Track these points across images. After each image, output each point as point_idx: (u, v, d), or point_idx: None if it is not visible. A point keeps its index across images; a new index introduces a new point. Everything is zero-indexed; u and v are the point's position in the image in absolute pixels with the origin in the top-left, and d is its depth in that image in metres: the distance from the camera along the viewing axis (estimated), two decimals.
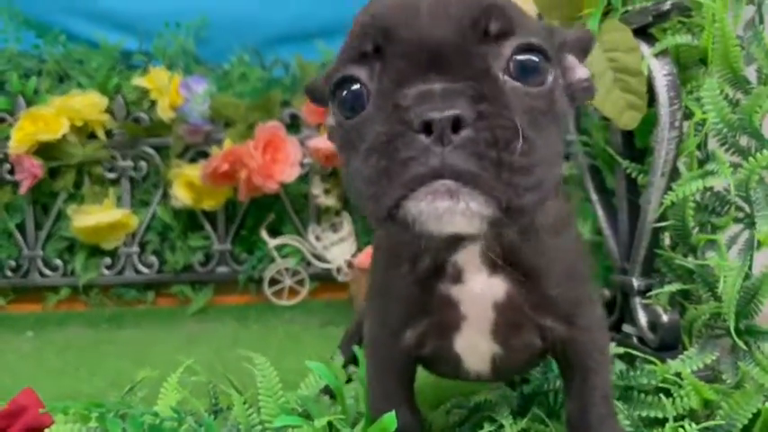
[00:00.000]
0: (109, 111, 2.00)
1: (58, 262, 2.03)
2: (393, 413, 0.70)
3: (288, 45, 2.11)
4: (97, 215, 1.95)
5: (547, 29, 0.63)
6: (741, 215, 0.96)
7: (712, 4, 0.95)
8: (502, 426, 0.81)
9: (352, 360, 1.00)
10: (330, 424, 0.79)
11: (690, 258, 0.99)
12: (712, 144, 0.99)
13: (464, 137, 0.50)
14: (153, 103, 2.00)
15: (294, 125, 2.00)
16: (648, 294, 1.03)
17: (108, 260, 2.03)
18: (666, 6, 0.98)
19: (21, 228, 2.03)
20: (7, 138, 1.94)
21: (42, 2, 2.10)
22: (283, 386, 0.87)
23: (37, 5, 2.09)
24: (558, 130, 0.58)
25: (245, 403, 0.85)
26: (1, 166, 2.01)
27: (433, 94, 0.51)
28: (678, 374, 0.85)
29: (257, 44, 2.11)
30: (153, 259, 2.04)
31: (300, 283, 2.01)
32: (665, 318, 0.99)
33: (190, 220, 2.04)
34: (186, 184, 1.95)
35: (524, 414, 0.85)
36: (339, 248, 2.01)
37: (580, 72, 0.65)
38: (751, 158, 0.92)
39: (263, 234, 2.01)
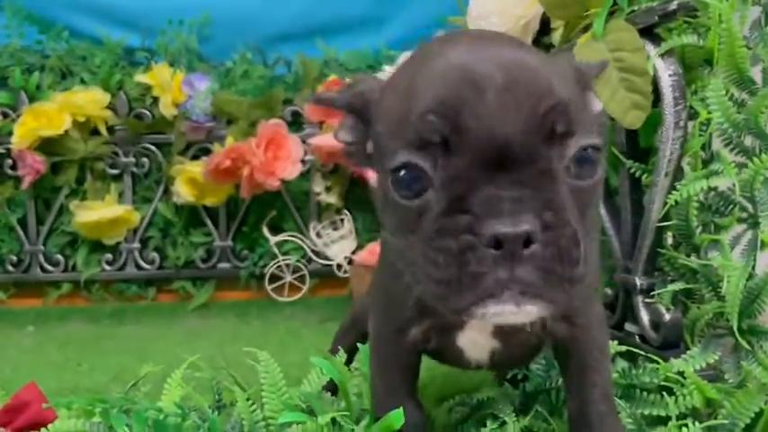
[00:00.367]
0: (111, 107, 2.00)
1: (60, 257, 2.03)
2: (400, 410, 0.70)
3: (290, 43, 2.12)
4: (99, 211, 1.96)
5: (577, 71, 0.62)
6: (745, 215, 0.96)
7: (719, 4, 0.94)
8: (504, 423, 0.81)
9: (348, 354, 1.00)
10: (334, 420, 0.79)
11: (693, 258, 0.99)
12: (717, 144, 0.99)
13: (532, 251, 0.52)
14: (155, 100, 2.00)
15: (296, 123, 2.01)
16: (651, 293, 1.03)
17: (109, 256, 2.03)
18: (672, 6, 0.98)
19: (22, 223, 2.03)
20: (10, 133, 1.94)
21: None
22: (284, 382, 0.87)
23: (40, 1, 2.09)
24: (595, 212, 0.61)
25: (248, 399, 0.85)
26: (3, 162, 2.01)
27: (502, 202, 0.52)
28: (681, 373, 0.85)
29: (260, 42, 2.12)
30: (154, 255, 2.04)
31: (301, 279, 2.02)
32: (667, 317, 0.99)
33: (191, 216, 2.05)
34: (188, 181, 1.95)
35: (527, 411, 0.85)
36: (340, 245, 2.01)
37: (596, 106, 0.66)
38: (756, 159, 0.92)
39: (265, 231, 2.02)
